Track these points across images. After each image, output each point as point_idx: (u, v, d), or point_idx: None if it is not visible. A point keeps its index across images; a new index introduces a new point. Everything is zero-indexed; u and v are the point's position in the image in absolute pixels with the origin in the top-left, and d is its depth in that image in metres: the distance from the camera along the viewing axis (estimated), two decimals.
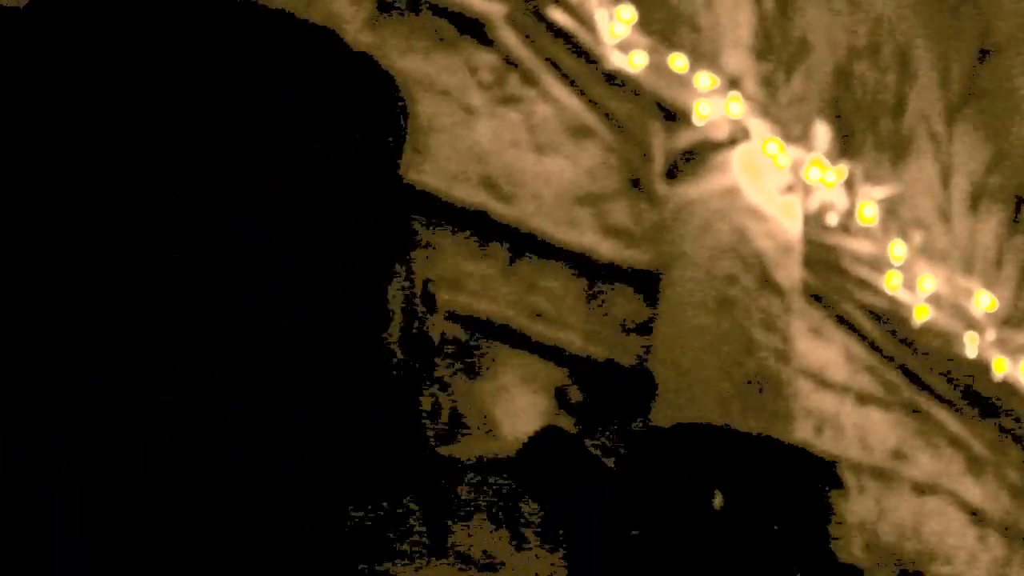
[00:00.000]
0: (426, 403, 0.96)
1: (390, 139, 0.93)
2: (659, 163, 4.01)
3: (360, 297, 0.88)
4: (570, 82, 3.89)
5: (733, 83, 3.97)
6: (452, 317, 3.52)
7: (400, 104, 0.94)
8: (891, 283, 4.43)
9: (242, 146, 0.87)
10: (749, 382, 3.81)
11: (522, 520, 3.63)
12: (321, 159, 0.88)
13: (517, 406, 3.58)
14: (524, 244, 3.70)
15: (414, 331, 0.94)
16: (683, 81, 3.93)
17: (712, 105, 3.93)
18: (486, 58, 3.74)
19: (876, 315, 4.59)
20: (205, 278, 0.85)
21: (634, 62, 3.86)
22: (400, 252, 0.93)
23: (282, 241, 0.86)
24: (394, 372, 0.90)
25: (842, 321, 4.56)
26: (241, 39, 0.90)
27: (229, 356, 0.85)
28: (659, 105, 3.98)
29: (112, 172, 0.87)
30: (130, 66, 0.88)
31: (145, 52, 0.89)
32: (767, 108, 4.06)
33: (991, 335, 4.64)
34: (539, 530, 3.64)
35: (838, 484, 0.93)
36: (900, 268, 4.42)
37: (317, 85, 0.90)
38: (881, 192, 4.39)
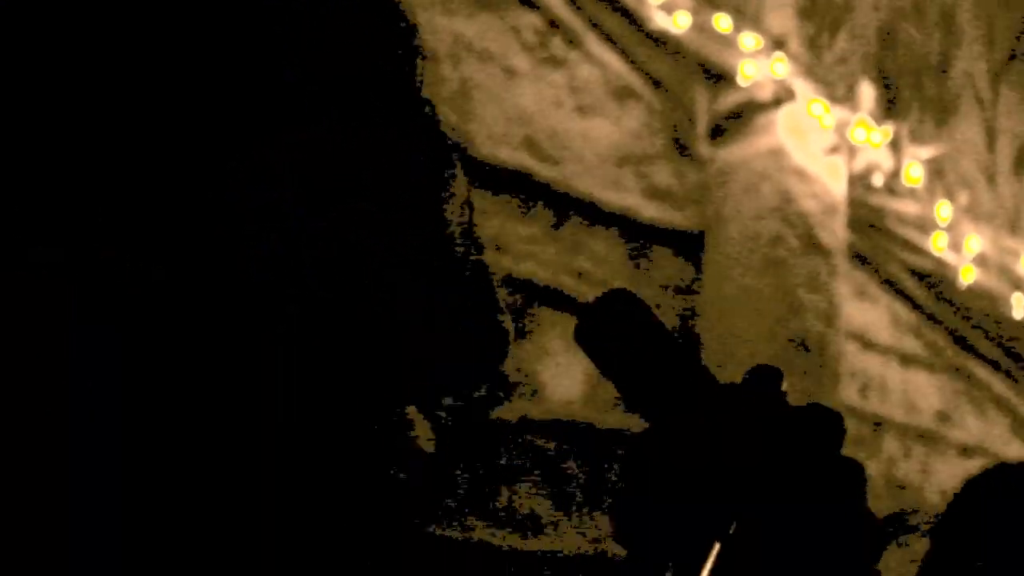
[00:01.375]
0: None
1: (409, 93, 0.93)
2: (703, 124, 4.00)
3: (367, 262, 0.88)
4: (613, 43, 3.88)
5: (778, 43, 3.95)
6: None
7: (418, 55, 0.94)
8: (937, 244, 4.40)
9: (253, 117, 0.87)
10: (794, 343, 3.80)
11: (568, 482, 3.65)
12: (333, 132, 0.88)
13: (562, 368, 3.59)
14: (568, 206, 3.70)
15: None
16: (727, 41, 3.91)
17: (757, 66, 3.90)
18: (529, 19, 3.72)
19: (922, 276, 4.56)
20: (213, 241, 0.86)
21: (678, 23, 3.84)
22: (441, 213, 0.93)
23: (290, 207, 0.86)
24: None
25: (887, 283, 4.54)
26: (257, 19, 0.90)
27: (241, 314, 0.86)
28: (703, 66, 3.96)
29: (119, 141, 0.87)
30: (141, 38, 0.89)
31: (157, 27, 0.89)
32: (812, 68, 4.04)
33: None
34: (585, 491, 3.66)
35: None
36: (946, 229, 4.39)
37: (329, 55, 0.90)
38: (927, 152, 4.36)
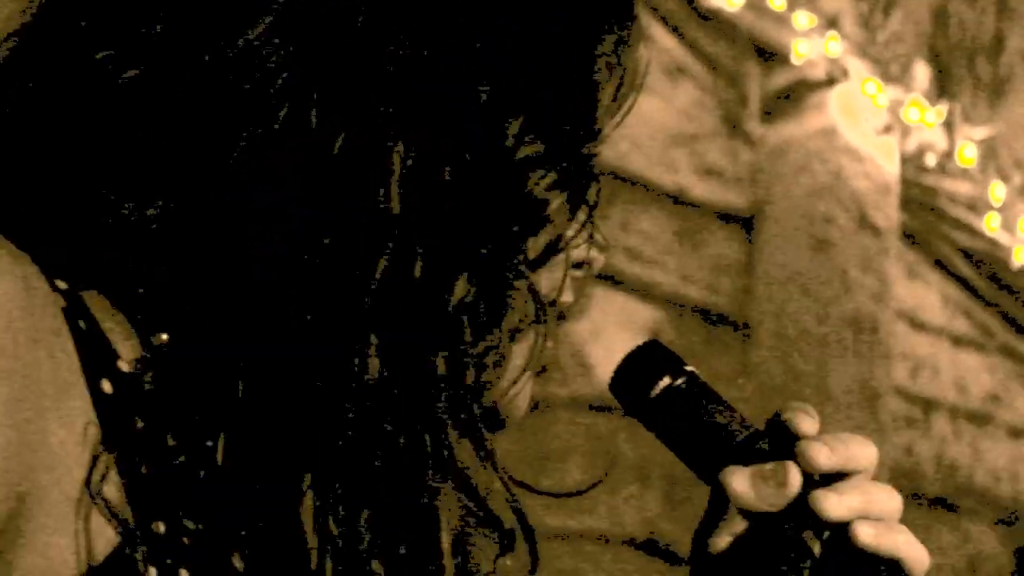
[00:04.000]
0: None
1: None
2: (755, 103, 3.98)
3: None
4: (666, 22, 3.86)
5: (831, 22, 3.92)
6: None
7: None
8: (990, 224, 4.37)
9: (257, 116, 0.88)
10: (846, 323, 3.78)
11: (617, 460, 3.64)
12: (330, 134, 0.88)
13: (612, 347, 3.58)
14: (620, 184, 3.69)
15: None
16: (781, 20, 3.88)
17: (810, 44, 3.88)
18: None
19: (974, 257, 4.53)
20: (216, 242, 0.87)
21: (731, 1, 3.82)
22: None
23: (293, 207, 0.86)
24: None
25: (939, 263, 4.51)
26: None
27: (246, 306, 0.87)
28: (756, 44, 3.94)
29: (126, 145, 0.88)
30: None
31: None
32: (865, 47, 4.01)
33: None
34: (635, 471, 3.66)
35: None
36: (999, 209, 4.36)
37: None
38: (981, 132, 4.33)
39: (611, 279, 3.62)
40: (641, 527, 3.50)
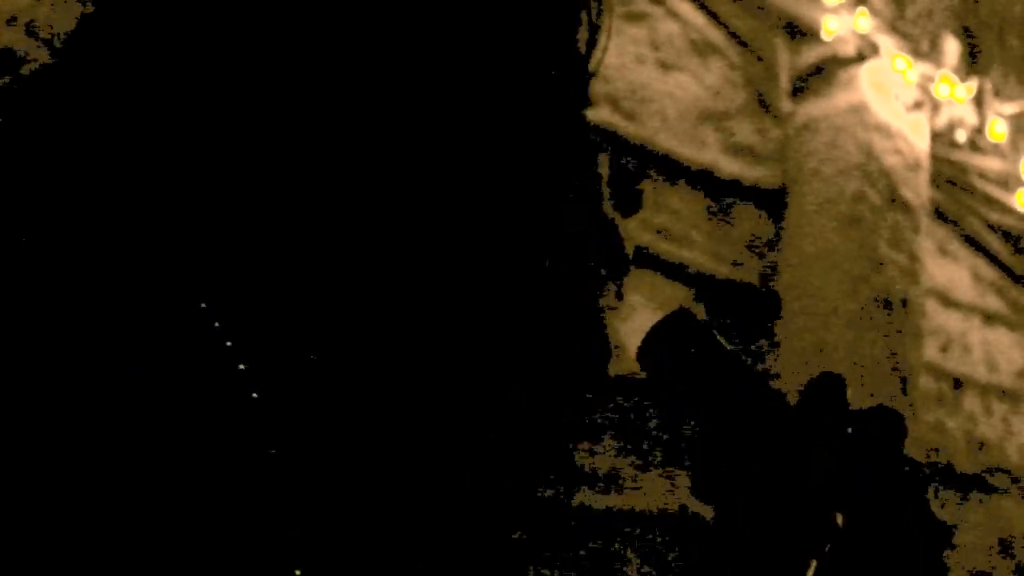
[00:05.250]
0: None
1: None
2: (785, 80, 3.97)
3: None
4: None
5: None
6: None
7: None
8: (1021, 200, 4.36)
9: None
10: (876, 301, 3.77)
11: (648, 439, 3.65)
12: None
13: (642, 325, 3.58)
14: (649, 162, 3.69)
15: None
16: None
17: (840, 20, 3.87)
18: None
19: (1005, 233, 4.52)
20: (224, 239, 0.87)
21: None
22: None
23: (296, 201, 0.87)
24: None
25: (969, 240, 4.50)
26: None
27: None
28: (786, 21, 3.93)
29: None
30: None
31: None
32: (895, 23, 4.00)
33: None
34: (666, 449, 3.66)
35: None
36: None
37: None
38: (1011, 108, 4.31)
39: (640, 257, 3.62)
40: (672, 505, 3.51)
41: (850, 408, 0.95)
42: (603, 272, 0.97)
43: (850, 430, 0.94)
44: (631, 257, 1.06)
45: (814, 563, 0.89)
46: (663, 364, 1.00)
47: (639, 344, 1.03)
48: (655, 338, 1.02)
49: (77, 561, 0.79)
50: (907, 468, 0.91)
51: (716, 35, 3.89)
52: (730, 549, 0.96)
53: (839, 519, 0.90)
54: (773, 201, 3.92)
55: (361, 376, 0.87)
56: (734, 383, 0.97)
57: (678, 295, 3.68)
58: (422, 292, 0.88)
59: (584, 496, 3.38)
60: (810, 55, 3.95)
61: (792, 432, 0.94)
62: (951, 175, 4.30)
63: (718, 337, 0.99)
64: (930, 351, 4.26)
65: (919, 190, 3.98)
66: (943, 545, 0.91)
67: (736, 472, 0.96)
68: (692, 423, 1.02)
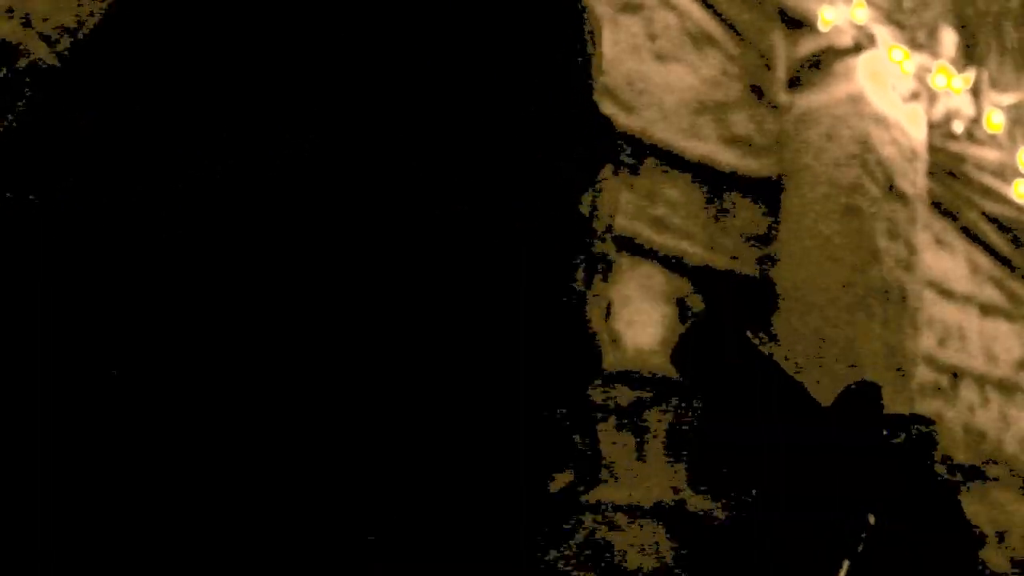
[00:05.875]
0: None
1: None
2: (782, 71, 3.96)
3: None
4: None
5: None
6: None
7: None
8: (1018, 191, 4.35)
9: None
10: (873, 292, 3.77)
11: (646, 431, 3.64)
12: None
13: (639, 317, 3.58)
14: (646, 152, 3.68)
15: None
16: None
17: (836, 11, 3.86)
18: None
19: (1002, 224, 4.52)
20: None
21: None
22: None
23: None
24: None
25: (967, 231, 4.50)
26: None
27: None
28: (782, 12, 3.92)
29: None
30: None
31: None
32: (892, 14, 3.99)
33: None
34: (664, 441, 3.65)
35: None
36: None
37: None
38: (1008, 99, 4.31)
39: (637, 248, 3.61)
40: (669, 497, 3.51)
41: (884, 411, 0.95)
42: (580, 263, 0.97)
43: (884, 432, 0.93)
44: (614, 249, 1.06)
45: (847, 563, 0.89)
46: (695, 367, 1.00)
47: (672, 349, 1.03)
48: (688, 342, 1.02)
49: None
50: (940, 471, 0.90)
51: (713, 26, 3.88)
52: (753, 548, 0.95)
53: (871, 520, 0.90)
54: (770, 192, 3.92)
55: (353, 376, 0.86)
56: (761, 383, 0.96)
57: (674, 286, 3.67)
58: (408, 288, 0.88)
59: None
60: (807, 46, 3.94)
61: (825, 433, 0.93)
62: (948, 166, 4.30)
63: (751, 340, 0.99)
64: (928, 342, 4.26)
65: (916, 181, 3.97)
66: (976, 547, 0.90)
67: (761, 471, 0.95)
68: (697, 418, 1.02)
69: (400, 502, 0.88)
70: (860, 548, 0.88)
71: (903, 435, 0.93)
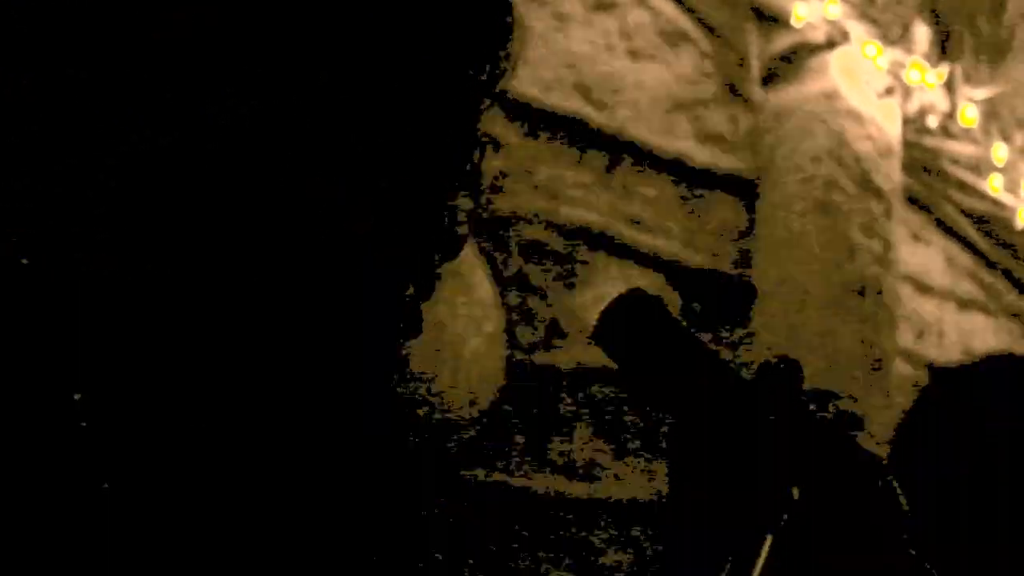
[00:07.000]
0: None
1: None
2: (756, 67, 3.96)
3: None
4: None
5: None
6: (550, 225, 3.51)
7: None
8: (993, 185, 4.36)
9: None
10: (850, 287, 3.77)
11: (625, 430, 3.64)
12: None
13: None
14: (621, 151, 3.68)
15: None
16: None
17: (810, 7, 3.87)
18: None
19: (978, 218, 4.52)
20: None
21: None
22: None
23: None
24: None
25: (943, 225, 4.50)
26: None
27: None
28: (756, 8, 3.92)
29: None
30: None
31: None
32: (865, 9, 3.99)
33: None
34: (641, 438, 3.65)
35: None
36: (1002, 170, 4.35)
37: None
38: (982, 93, 4.32)
39: (614, 247, 3.61)
40: (648, 494, 3.50)
41: (809, 390, 0.94)
42: (435, 259, 0.96)
43: (810, 409, 0.93)
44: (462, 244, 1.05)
45: (770, 538, 0.88)
46: (619, 343, 0.99)
47: (594, 322, 1.02)
48: (611, 317, 1.00)
49: None
50: (865, 447, 0.90)
51: (686, 23, 3.88)
52: (686, 529, 0.94)
53: (795, 493, 0.90)
54: (746, 189, 3.92)
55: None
56: (690, 362, 0.96)
57: (651, 284, 3.67)
58: (292, 292, 0.87)
59: (560, 485, 3.37)
60: (781, 42, 3.94)
61: (748, 413, 0.93)
62: (923, 161, 4.30)
63: (674, 316, 0.98)
64: (905, 337, 4.26)
65: (891, 176, 3.98)
66: (897, 517, 0.90)
67: (690, 453, 0.95)
68: (663, 411, 1.01)
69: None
70: (782, 522, 0.88)
71: (831, 410, 0.93)
